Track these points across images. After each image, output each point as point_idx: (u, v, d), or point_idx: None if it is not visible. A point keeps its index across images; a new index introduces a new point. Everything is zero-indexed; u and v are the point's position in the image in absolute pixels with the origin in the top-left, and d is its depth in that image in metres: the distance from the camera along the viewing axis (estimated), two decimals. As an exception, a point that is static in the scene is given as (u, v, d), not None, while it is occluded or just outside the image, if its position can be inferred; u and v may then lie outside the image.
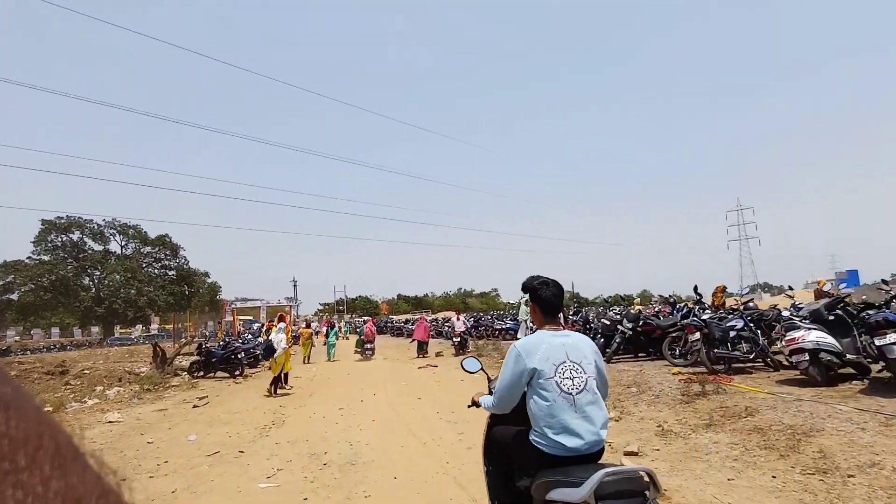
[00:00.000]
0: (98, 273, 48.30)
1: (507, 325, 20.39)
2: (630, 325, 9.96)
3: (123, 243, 53.85)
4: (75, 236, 48.98)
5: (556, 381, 2.00)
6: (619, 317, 10.96)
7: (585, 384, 2.02)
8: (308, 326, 19.60)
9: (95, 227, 49.99)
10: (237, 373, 13.43)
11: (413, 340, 17.00)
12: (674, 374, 7.60)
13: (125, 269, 47.80)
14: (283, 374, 10.33)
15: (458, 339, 15.86)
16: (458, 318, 17.11)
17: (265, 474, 4.61)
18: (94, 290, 47.74)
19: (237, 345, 16.58)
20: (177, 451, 5.74)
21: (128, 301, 47.11)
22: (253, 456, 5.30)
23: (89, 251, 49.55)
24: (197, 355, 13.81)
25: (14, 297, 44.08)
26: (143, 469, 5.03)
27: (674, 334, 8.75)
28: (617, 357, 10.06)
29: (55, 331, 54.92)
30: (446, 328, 23.44)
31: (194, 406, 8.76)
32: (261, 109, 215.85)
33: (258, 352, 16.21)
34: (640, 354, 10.34)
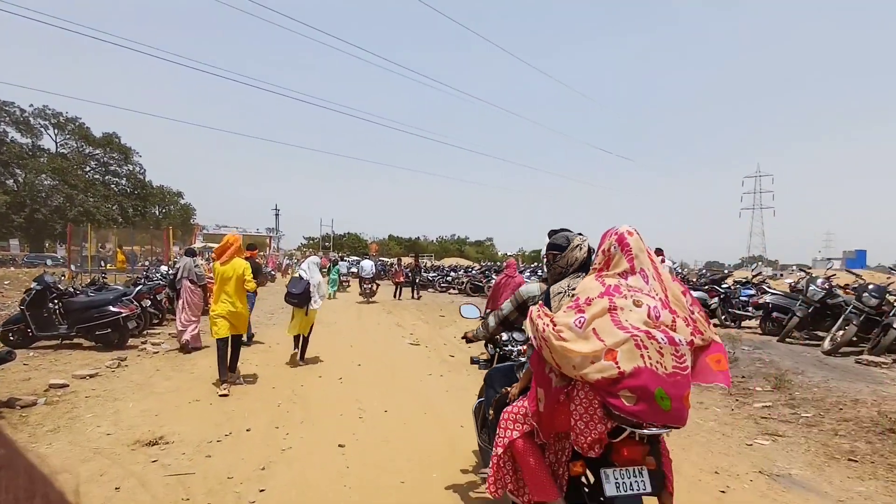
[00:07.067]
0: (20, 173, 37.97)
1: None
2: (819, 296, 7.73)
3: (60, 140, 43.16)
4: (-9, 122, 38.11)
5: None
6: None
7: None
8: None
9: (18, 112, 39.03)
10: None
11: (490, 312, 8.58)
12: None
13: (54, 170, 37.53)
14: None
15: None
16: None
17: None
18: (15, 192, 37.56)
19: (102, 292, 7.97)
20: None
21: (58, 210, 37.28)
22: None
23: (12, 142, 38.85)
24: (20, 308, 5.55)
25: None
26: None
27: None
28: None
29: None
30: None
31: None
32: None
33: (146, 303, 7.68)
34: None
